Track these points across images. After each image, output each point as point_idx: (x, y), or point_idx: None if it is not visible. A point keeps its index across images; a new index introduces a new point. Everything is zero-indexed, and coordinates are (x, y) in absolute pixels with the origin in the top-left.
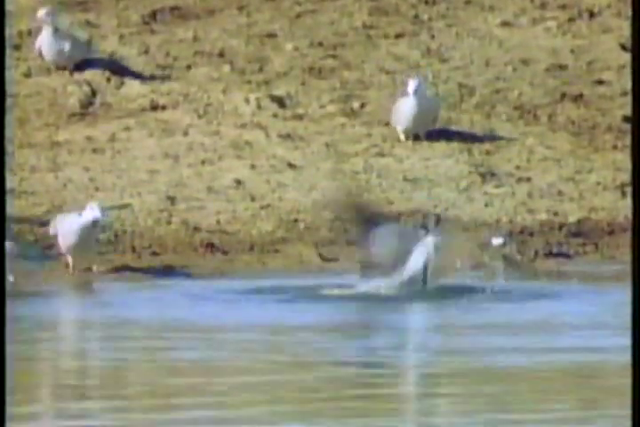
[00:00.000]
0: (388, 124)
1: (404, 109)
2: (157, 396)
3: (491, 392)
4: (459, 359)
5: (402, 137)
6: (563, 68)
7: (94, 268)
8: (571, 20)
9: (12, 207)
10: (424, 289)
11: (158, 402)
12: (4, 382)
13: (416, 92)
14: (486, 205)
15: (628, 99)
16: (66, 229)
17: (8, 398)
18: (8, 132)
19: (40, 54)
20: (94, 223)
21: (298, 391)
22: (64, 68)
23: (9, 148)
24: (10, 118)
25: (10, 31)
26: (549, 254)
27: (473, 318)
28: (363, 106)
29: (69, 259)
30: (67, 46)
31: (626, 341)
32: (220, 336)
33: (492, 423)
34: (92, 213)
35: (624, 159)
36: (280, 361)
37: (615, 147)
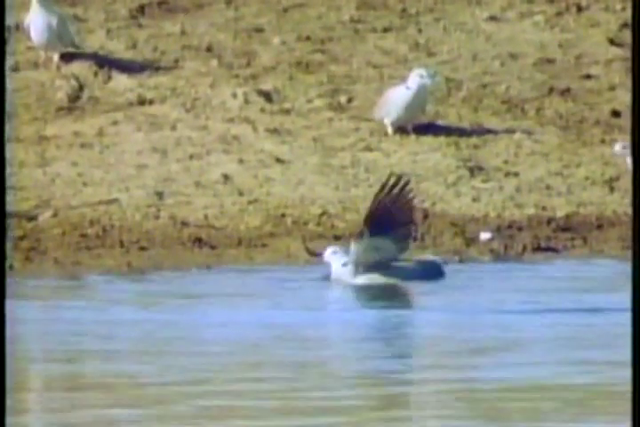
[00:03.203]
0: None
1: (397, 100)
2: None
3: None
4: None
5: (389, 129)
6: (550, 62)
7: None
8: (558, 14)
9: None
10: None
11: None
12: (4, 382)
13: (419, 82)
14: (474, 200)
15: (616, 93)
16: None
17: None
18: None
19: (28, 34)
20: None
21: None
22: (51, 56)
23: None
24: None
25: None
26: (537, 249)
27: None
28: (350, 100)
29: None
30: (54, 22)
31: None
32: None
33: None
34: None
35: (612, 153)
36: None
37: (603, 141)
